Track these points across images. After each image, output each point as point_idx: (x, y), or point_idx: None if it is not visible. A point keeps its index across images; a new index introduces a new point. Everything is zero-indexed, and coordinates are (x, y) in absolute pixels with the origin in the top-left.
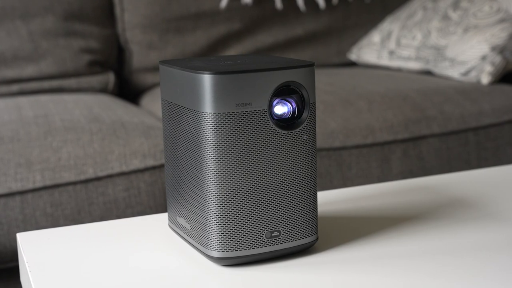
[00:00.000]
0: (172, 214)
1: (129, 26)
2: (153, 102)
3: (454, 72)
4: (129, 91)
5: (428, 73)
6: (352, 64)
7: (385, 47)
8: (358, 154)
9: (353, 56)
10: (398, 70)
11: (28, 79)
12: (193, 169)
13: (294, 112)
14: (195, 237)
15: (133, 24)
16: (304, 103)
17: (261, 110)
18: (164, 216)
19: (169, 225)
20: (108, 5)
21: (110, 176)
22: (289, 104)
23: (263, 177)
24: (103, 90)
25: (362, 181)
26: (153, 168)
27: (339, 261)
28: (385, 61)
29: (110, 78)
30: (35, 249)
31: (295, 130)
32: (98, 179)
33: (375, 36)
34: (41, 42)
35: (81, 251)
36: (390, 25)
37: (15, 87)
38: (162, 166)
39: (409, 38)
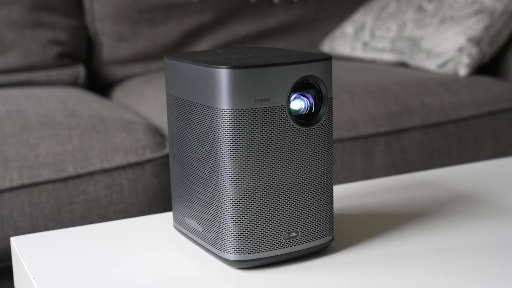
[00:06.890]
0: (178, 215)
1: (99, 17)
2: (127, 95)
3: (431, 64)
4: (99, 84)
5: (403, 65)
6: None
7: (359, 39)
8: (341, 147)
9: (326, 47)
10: (372, 62)
11: None
12: (206, 168)
13: (310, 107)
14: (207, 239)
15: (103, 14)
16: (322, 98)
17: (280, 106)
18: (167, 216)
19: (174, 226)
20: None
21: (91, 174)
22: (306, 100)
23: (282, 176)
24: (73, 83)
25: (346, 174)
26: (136, 164)
27: (356, 262)
28: (359, 52)
29: (80, 71)
30: (34, 253)
31: (313, 127)
32: (78, 176)
33: (348, 28)
34: (7, 33)
35: (84, 255)
36: (363, 17)
37: None
38: (144, 162)
39: (383, 29)
